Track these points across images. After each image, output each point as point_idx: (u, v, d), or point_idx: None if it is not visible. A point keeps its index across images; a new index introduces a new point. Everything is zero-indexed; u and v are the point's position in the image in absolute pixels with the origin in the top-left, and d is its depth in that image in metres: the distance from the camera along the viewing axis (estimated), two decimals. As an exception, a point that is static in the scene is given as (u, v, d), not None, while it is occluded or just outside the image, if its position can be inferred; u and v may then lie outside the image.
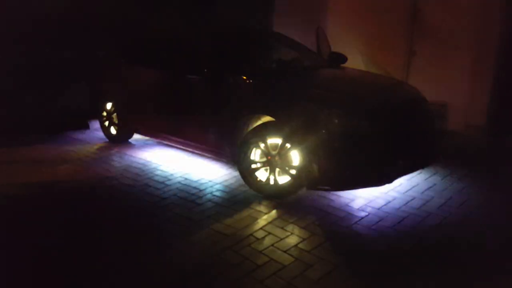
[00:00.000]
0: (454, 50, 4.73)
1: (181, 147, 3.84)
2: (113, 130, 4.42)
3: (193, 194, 3.09)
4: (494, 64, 4.53)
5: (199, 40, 3.82)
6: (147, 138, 4.41)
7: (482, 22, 4.50)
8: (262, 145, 2.98)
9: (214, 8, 5.63)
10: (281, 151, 2.90)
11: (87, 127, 4.93)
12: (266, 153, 2.98)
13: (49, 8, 4.50)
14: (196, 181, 3.33)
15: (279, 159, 2.92)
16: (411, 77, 5.03)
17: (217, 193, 3.11)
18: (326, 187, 2.87)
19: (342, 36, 5.31)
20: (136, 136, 4.45)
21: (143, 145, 4.31)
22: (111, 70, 4.40)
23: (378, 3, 5.15)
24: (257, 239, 2.46)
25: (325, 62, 4.01)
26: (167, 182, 3.31)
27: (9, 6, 4.30)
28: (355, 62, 4.89)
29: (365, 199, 3.00)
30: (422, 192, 3.15)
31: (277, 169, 2.96)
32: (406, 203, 2.97)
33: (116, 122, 4.35)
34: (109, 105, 4.41)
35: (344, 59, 3.97)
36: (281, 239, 2.46)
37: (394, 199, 3.03)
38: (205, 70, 3.38)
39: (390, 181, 2.89)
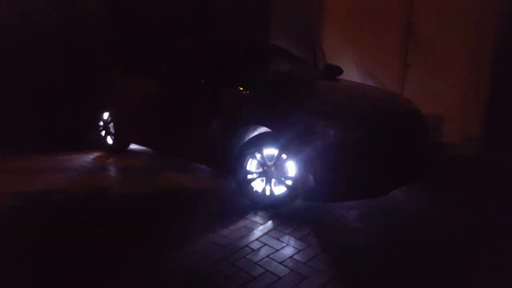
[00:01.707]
0: (448, 62, 4.79)
1: (178, 157, 3.85)
2: (109, 140, 4.42)
3: (188, 204, 3.08)
4: (488, 76, 4.59)
5: (196, 51, 3.87)
6: (143, 148, 4.42)
7: (477, 35, 4.58)
8: (258, 156, 2.99)
9: (212, 20, 5.70)
10: (277, 162, 2.92)
11: (84, 137, 4.92)
12: (262, 164, 2.99)
13: (47, 17, 4.54)
14: (192, 191, 3.32)
15: (275, 169, 2.94)
16: (406, 89, 5.09)
17: (213, 204, 3.11)
18: (322, 198, 2.87)
19: (337, 48, 5.38)
20: (132, 146, 4.46)
21: (140, 155, 4.31)
22: (109, 80, 4.43)
23: (373, 16, 5.23)
24: (253, 250, 2.45)
25: (321, 74, 4.06)
26: (163, 192, 3.30)
27: (8, 15, 4.34)
28: (351, 74, 4.96)
29: (360, 210, 3.00)
30: (417, 205, 3.17)
31: (273, 180, 2.96)
32: (401, 215, 2.98)
33: (113, 131, 4.36)
34: (105, 115, 4.43)
35: (339, 71, 4.02)
36: (277, 250, 2.46)
37: (390, 211, 3.04)
38: (202, 81, 3.41)
39: (385, 192, 2.90)
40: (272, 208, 2.99)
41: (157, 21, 5.23)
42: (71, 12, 4.70)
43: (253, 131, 3.13)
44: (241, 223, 2.79)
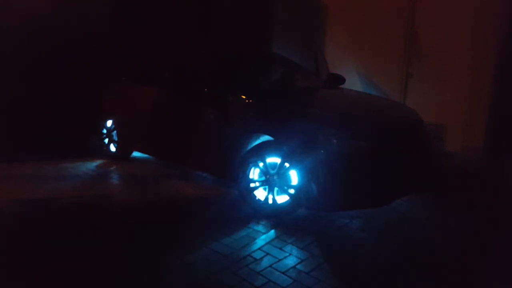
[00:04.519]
0: (451, 71, 4.81)
1: (180, 164, 3.85)
2: (112, 148, 4.43)
3: (190, 213, 3.07)
4: (491, 85, 4.60)
5: (199, 60, 3.90)
6: (146, 155, 4.42)
7: (479, 43, 4.60)
8: (261, 164, 2.99)
9: (214, 29, 5.75)
10: (280, 171, 2.91)
11: (87, 144, 4.93)
12: (265, 172, 2.98)
13: (52, 24, 4.59)
14: (194, 200, 3.32)
15: (278, 178, 2.93)
16: (408, 98, 5.10)
17: (215, 212, 3.10)
18: (325, 207, 2.86)
19: (340, 57, 5.41)
20: (135, 154, 4.46)
21: (142, 163, 4.32)
22: (112, 88, 4.46)
23: (375, 25, 5.27)
24: (255, 259, 2.44)
25: (324, 83, 4.08)
26: (165, 200, 3.30)
27: (11, 24, 4.38)
28: (353, 83, 4.97)
29: (364, 220, 2.99)
30: (421, 214, 3.15)
31: (276, 189, 2.96)
32: (405, 225, 2.96)
33: (116, 139, 4.37)
34: (109, 123, 4.45)
35: (342, 80, 4.03)
36: (280, 260, 2.44)
37: (393, 220, 3.02)
38: (205, 89, 3.43)
39: (388, 202, 2.89)
40: (274, 217, 2.98)
41: (160, 30, 5.27)
42: (76, 20, 4.75)
43: (255, 140, 3.13)
44: (244, 232, 2.77)
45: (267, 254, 2.50)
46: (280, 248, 2.57)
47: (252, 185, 3.05)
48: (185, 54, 4.22)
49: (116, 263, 2.41)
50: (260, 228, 2.85)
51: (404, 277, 2.32)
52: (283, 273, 2.30)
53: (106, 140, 4.47)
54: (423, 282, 2.29)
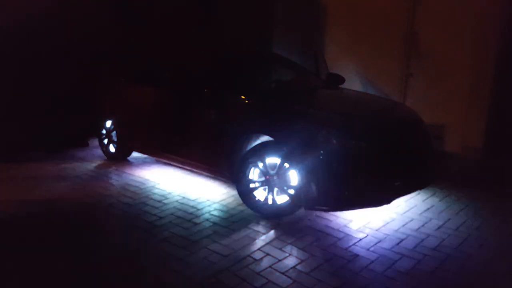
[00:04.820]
0: (450, 71, 4.80)
1: (180, 165, 3.85)
2: (112, 148, 4.43)
3: (190, 214, 3.07)
4: (490, 85, 4.59)
5: (199, 60, 3.89)
6: (145, 156, 4.42)
7: (479, 43, 4.60)
8: (260, 165, 2.99)
9: (215, 28, 5.74)
10: (280, 171, 2.91)
11: (86, 145, 4.94)
12: (264, 173, 2.98)
13: (51, 26, 4.59)
14: (193, 200, 3.32)
15: (278, 178, 2.93)
16: (408, 98, 5.09)
17: (215, 213, 3.10)
18: (325, 208, 2.86)
19: (339, 57, 5.41)
20: (134, 154, 4.46)
21: (142, 163, 4.31)
22: (112, 89, 4.45)
23: (375, 25, 5.27)
24: (255, 260, 2.44)
25: (323, 83, 4.07)
26: (165, 201, 3.30)
27: (11, 24, 4.38)
28: (353, 83, 4.97)
29: (363, 220, 2.99)
30: (420, 214, 3.15)
31: (276, 189, 2.96)
32: (405, 225, 2.96)
33: (115, 140, 4.37)
34: (108, 123, 4.44)
35: (341, 80, 4.03)
36: (279, 260, 2.44)
37: (393, 220, 3.02)
38: (205, 89, 3.43)
39: (388, 202, 2.89)
40: (274, 217, 2.98)
41: (160, 30, 5.27)
42: (76, 20, 4.75)
43: (255, 140, 3.13)
44: (243, 233, 2.77)
45: (267, 254, 2.50)
46: (280, 249, 2.57)
47: (251, 185, 3.04)
48: (185, 54, 4.21)
49: (116, 263, 2.41)
50: (260, 228, 2.85)
51: (404, 278, 2.32)
52: (283, 273, 2.30)
53: (106, 141, 4.47)
54: (421, 282, 2.28)
